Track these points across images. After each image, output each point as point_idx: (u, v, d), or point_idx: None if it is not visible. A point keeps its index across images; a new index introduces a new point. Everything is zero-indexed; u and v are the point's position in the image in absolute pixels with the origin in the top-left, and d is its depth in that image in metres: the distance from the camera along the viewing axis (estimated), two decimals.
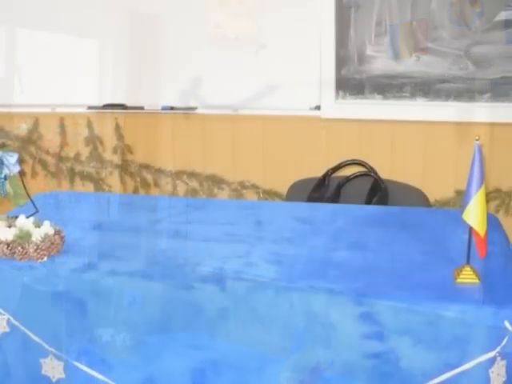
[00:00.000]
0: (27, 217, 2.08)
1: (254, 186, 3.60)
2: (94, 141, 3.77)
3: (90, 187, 3.81)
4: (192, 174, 3.68)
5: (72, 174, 3.83)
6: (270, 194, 3.58)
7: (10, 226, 2.04)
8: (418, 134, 3.36)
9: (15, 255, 1.97)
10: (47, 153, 3.84)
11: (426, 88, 3.29)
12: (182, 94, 3.59)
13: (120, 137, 3.73)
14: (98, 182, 3.80)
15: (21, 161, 2.37)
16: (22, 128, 3.82)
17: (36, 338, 1.95)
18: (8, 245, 1.97)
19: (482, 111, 3.24)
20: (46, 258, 1.98)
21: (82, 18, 3.60)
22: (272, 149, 3.55)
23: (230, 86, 3.52)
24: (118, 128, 3.72)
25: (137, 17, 3.55)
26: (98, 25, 3.59)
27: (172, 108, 3.65)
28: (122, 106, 3.70)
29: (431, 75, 3.27)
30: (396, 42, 3.28)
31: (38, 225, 2.02)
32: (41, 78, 3.68)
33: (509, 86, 3.21)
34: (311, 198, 2.82)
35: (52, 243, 2.00)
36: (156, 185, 3.75)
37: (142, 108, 3.69)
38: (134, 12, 3.55)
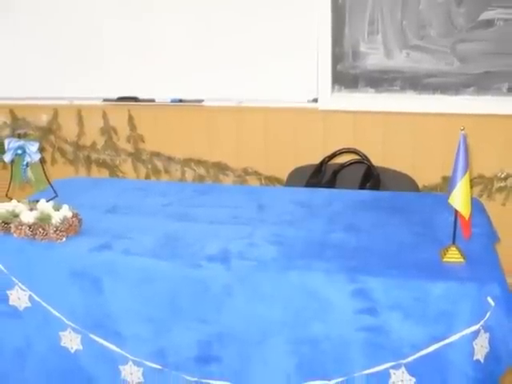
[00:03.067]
0: (47, 201, 2.08)
1: (257, 173, 3.59)
2: (108, 131, 3.76)
3: (105, 173, 3.81)
4: (199, 162, 3.67)
5: (89, 162, 3.83)
6: (271, 180, 3.57)
7: (31, 210, 2.03)
8: (408, 125, 3.35)
9: (36, 236, 1.97)
10: (66, 142, 3.84)
11: (415, 82, 3.29)
12: (190, 88, 3.59)
13: (133, 127, 3.72)
14: (112, 169, 3.80)
15: (41, 149, 2.36)
16: (43, 119, 3.81)
17: (55, 313, 1.94)
18: (30, 227, 1.97)
19: (467, 103, 3.23)
20: (64, 239, 1.97)
21: (92, 18, 3.58)
22: (273, 138, 3.54)
23: (234, 80, 3.50)
24: (130, 119, 3.71)
25: (145, 14, 3.53)
26: (106, 24, 3.57)
27: (181, 100, 3.64)
28: (135, 99, 3.69)
29: (420, 70, 3.26)
30: (387, 40, 3.26)
31: (57, 208, 2.02)
32: (59, 72, 3.67)
33: (491, 81, 3.20)
34: (309, 184, 2.80)
35: (70, 225, 1.99)
36: (166, 171, 3.74)
37: (153, 100, 3.68)
38: (142, 9, 3.53)
